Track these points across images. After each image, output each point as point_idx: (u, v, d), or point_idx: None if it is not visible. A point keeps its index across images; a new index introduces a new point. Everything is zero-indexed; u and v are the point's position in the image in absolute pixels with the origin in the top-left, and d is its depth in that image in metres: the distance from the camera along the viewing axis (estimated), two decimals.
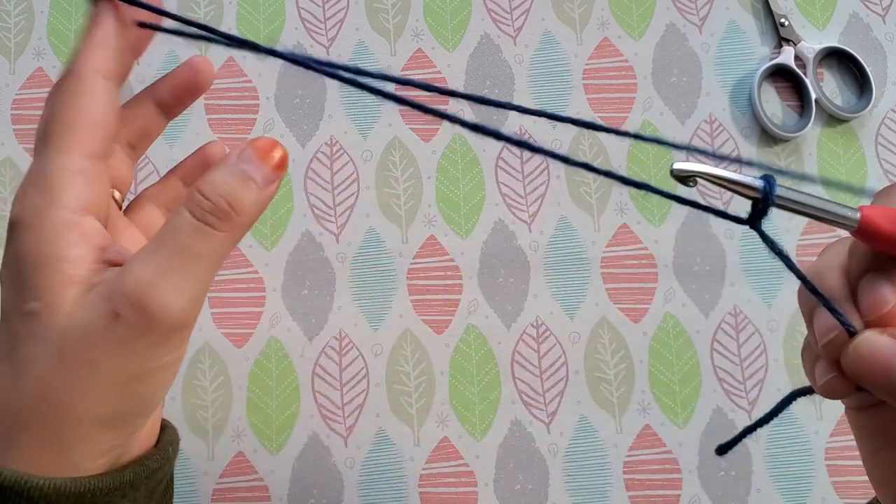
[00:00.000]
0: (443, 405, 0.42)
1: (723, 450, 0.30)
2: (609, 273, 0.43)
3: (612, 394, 0.42)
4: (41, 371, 0.25)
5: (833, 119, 0.45)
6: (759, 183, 0.25)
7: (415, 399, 0.42)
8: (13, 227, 0.25)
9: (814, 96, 0.45)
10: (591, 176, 0.45)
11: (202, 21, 0.47)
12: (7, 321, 0.25)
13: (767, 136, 0.45)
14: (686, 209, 0.44)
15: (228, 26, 0.47)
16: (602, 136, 0.45)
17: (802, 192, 0.24)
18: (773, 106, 0.46)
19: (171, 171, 0.32)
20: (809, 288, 0.25)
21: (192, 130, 0.45)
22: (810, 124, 0.44)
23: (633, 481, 0.41)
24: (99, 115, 0.26)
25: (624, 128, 0.45)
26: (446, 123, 0.45)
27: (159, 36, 0.49)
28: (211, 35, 0.27)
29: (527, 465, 0.41)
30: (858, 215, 0.24)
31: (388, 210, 0.44)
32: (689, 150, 0.35)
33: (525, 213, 0.44)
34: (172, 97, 0.30)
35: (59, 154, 0.25)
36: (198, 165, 0.32)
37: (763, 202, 0.25)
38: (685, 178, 0.26)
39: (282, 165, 0.25)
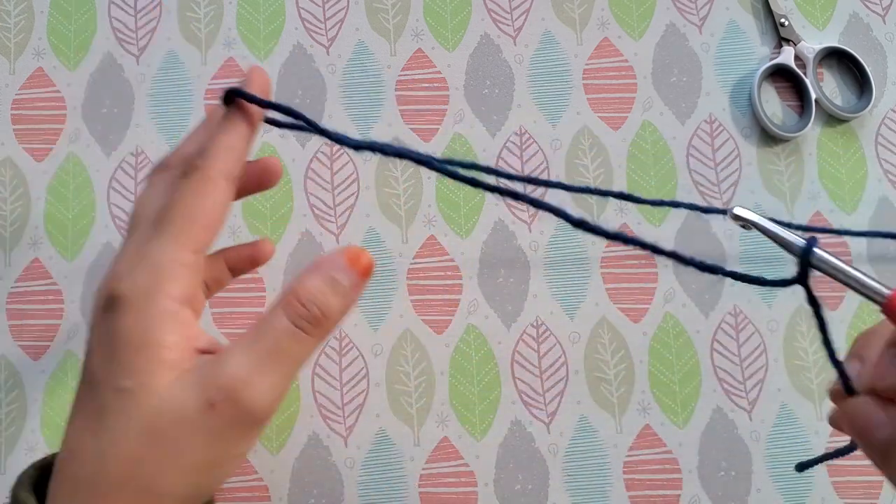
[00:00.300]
0: (443, 405, 0.42)
1: (803, 467, 0.34)
2: (609, 273, 0.43)
3: (612, 394, 0.42)
4: (130, 448, 0.26)
5: (833, 119, 0.45)
6: (801, 243, 0.28)
7: (415, 399, 0.42)
8: (115, 302, 0.26)
9: (814, 96, 0.45)
10: (590, 176, 0.45)
11: (202, 20, 0.47)
12: (97, 394, 0.27)
13: (767, 136, 0.45)
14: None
15: (228, 26, 0.47)
16: (602, 136, 0.45)
17: (841, 262, 0.27)
18: (773, 106, 0.46)
19: (219, 253, 0.35)
20: (825, 340, 0.28)
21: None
22: (810, 124, 0.44)
23: (633, 481, 0.41)
24: (216, 217, 0.28)
25: (623, 126, 0.45)
26: (446, 123, 0.45)
27: (159, 36, 0.49)
28: (344, 139, 0.29)
29: (527, 465, 0.41)
30: (888, 293, 0.25)
31: (388, 210, 0.44)
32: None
33: (525, 213, 0.44)
34: (238, 264, 0.35)
35: (174, 246, 0.27)
36: (245, 257, 0.35)
37: (804, 264, 0.27)
38: (742, 223, 0.30)
39: (367, 272, 0.28)
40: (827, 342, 0.28)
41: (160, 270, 0.27)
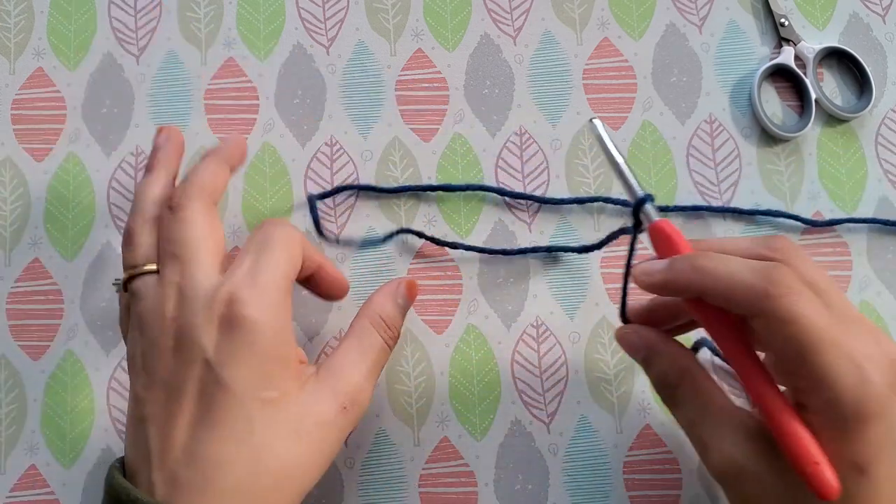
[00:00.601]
0: (443, 405, 0.42)
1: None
2: (609, 273, 0.43)
3: (612, 394, 0.42)
4: (282, 451, 0.30)
5: (833, 119, 0.45)
6: (641, 194, 0.34)
7: (415, 399, 0.42)
8: (245, 322, 0.30)
9: (814, 96, 0.45)
10: (590, 177, 0.45)
11: (201, 20, 0.47)
12: (243, 407, 0.30)
13: (767, 136, 0.45)
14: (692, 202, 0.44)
15: (228, 26, 0.47)
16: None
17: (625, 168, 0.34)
18: (773, 106, 0.46)
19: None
20: (624, 287, 0.36)
21: (192, 130, 0.45)
22: (810, 124, 0.44)
23: (633, 481, 0.41)
24: (306, 246, 0.36)
25: (623, 127, 0.45)
26: (446, 123, 0.45)
27: (159, 36, 0.49)
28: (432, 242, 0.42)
29: (527, 465, 0.41)
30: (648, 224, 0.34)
31: (388, 210, 0.44)
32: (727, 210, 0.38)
33: (525, 214, 0.44)
34: (324, 293, 0.39)
35: (283, 270, 0.32)
36: (327, 285, 0.39)
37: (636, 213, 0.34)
38: (596, 138, 0.36)
39: (415, 296, 0.39)
40: (626, 283, 0.36)
41: (279, 293, 0.31)
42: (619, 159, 0.34)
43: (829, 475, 0.28)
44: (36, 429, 0.42)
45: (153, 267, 0.33)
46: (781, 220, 0.44)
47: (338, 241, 0.43)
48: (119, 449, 0.41)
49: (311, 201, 0.43)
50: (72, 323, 0.43)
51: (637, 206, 0.34)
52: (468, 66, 0.46)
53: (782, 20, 0.46)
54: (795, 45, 0.46)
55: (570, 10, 0.47)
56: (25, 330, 0.43)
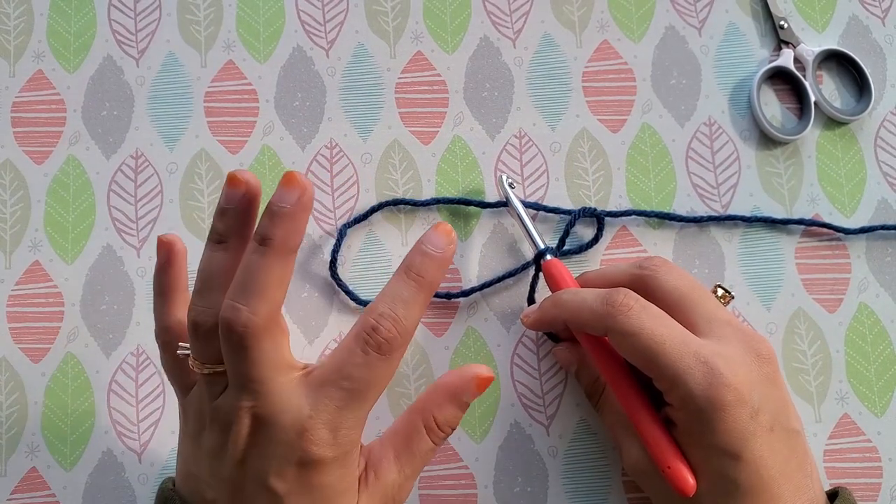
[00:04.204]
0: None
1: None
2: None
3: None
4: None
5: (832, 121, 0.45)
6: (542, 246, 0.40)
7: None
8: (323, 463, 0.30)
9: (813, 99, 0.45)
10: (590, 179, 0.45)
11: (201, 22, 0.47)
12: None
13: (766, 139, 0.45)
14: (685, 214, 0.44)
15: (228, 28, 0.47)
16: (601, 138, 0.45)
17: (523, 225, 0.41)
18: (773, 108, 0.46)
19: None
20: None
21: (191, 133, 0.45)
22: (809, 127, 0.45)
23: (631, 483, 0.41)
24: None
25: (623, 129, 0.45)
26: (446, 126, 0.45)
27: (159, 39, 0.49)
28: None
29: (526, 468, 0.41)
30: (543, 261, 0.40)
31: (388, 212, 0.44)
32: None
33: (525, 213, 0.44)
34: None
35: (360, 417, 0.31)
36: None
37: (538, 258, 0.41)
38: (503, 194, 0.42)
39: (485, 388, 0.34)
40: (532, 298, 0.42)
41: (355, 438, 0.31)
42: (525, 217, 0.41)
43: (681, 475, 0.33)
44: (36, 431, 0.42)
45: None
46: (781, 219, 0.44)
47: (350, 297, 0.43)
48: (119, 451, 0.41)
49: (342, 232, 0.43)
50: (72, 325, 0.43)
51: (538, 256, 0.40)
52: (468, 68, 0.46)
53: (782, 22, 0.46)
54: (795, 47, 0.46)
55: (570, 12, 0.47)
56: (26, 332, 0.43)
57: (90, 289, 0.43)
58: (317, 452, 0.30)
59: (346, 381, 0.30)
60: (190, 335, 0.32)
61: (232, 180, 0.31)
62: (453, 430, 0.34)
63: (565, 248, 0.43)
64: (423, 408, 0.33)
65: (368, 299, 0.43)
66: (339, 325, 0.43)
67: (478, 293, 0.43)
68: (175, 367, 0.34)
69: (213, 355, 0.31)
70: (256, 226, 0.30)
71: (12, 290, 0.43)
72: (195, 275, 0.32)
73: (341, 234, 0.43)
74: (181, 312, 0.34)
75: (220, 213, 0.31)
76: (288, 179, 0.29)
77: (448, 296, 0.42)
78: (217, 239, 0.31)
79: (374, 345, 0.30)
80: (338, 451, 0.30)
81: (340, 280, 0.42)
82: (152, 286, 0.35)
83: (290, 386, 0.30)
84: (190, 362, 0.32)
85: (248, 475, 0.31)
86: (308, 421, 0.30)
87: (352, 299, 0.42)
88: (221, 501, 0.31)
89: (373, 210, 0.43)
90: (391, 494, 0.33)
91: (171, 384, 0.35)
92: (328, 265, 0.43)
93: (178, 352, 0.33)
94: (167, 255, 0.34)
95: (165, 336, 0.34)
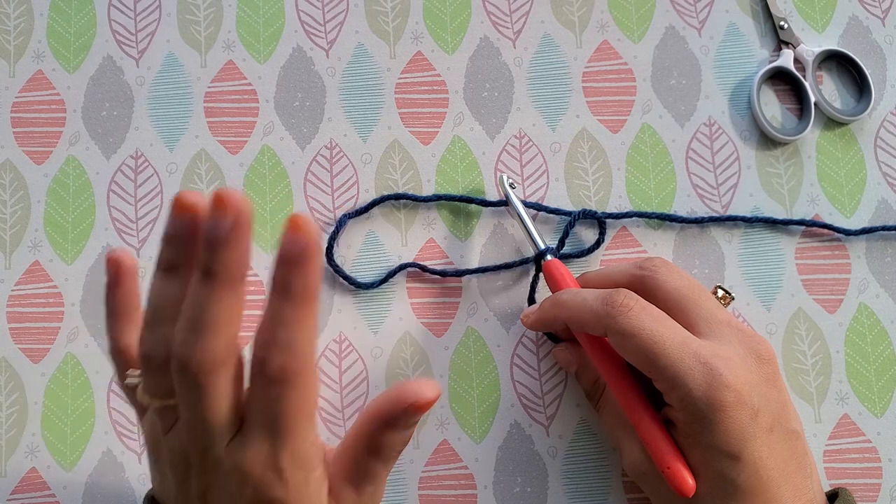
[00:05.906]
0: (442, 408, 0.42)
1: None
2: None
3: None
4: None
5: (832, 122, 0.45)
6: (542, 247, 0.40)
7: None
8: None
9: (813, 99, 0.45)
10: (589, 180, 0.45)
11: (201, 22, 0.47)
12: None
13: (766, 139, 0.45)
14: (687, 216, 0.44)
15: (228, 29, 0.47)
16: (601, 138, 0.45)
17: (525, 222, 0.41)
18: (773, 109, 0.46)
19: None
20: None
21: (191, 133, 0.45)
22: (809, 127, 0.45)
23: (631, 483, 0.41)
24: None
25: (623, 129, 0.45)
26: (446, 126, 0.45)
27: (159, 39, 0.49)
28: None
29: (526, 468, 0.41)
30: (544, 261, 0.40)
31: (388, 213, 0.44)
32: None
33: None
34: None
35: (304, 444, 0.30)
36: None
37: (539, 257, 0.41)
38: (504, 194, 0.42)
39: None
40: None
41: (306, 472, 0.30)
42: (526, 217, 0.41)
43: (681, 476, 0.33)
44: (36, 431, 0.42)
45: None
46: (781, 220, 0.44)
47: (347, 281, 0.43)
48: (119, 451, 0.41)
49: (342, 221, 0.43)
50: (72, 326, 0.43)
51: (539, 256, 0.40)
52: (468, 68, 0.46)
53: (782, 23, 0.46)
54: (795, 47, 0.46)
55: (570, 12, 0.47)
56: (26, 333, 0.43)
57: (90, 289, 0.43)
58: (270, 494, 0.29)
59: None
60: (142, 368, 0.29)
61: (179, 205, 0.27)
62: (405, 445, 0.32)
63: (567, 250, 0.43)
64: (363, 433, 0.31)
65: (366, 283, 0.43)
66: (339, 325, 0.43)
67: (474, 282, 0.43)
68: (129, 390, 0.32)
69: (166, 390, 0.29)
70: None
71: (12, 291, 0.43)
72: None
73: (340, 223, 0.43)
74: (134, 335, 0.31)
75: (168, 239, 0.28)
76: (218, 201, 0.26)
77: (443, 273, 0.43)
78: (166, 266, 0.29)
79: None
80: (289, 490, 0.29)
81: (338, 266, 0.42)
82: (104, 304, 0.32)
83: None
84: (139, 394, 0.30)
85: None
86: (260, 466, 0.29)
87: (350, 283, 0.43)
88: None
89: (374, 203, 0.43)
90: None
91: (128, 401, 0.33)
92: (324, 252, 0.43)
93: (127, 381, 0.31)
94: (115, 274, 0.31)
95: (118, 358, 0.32)
